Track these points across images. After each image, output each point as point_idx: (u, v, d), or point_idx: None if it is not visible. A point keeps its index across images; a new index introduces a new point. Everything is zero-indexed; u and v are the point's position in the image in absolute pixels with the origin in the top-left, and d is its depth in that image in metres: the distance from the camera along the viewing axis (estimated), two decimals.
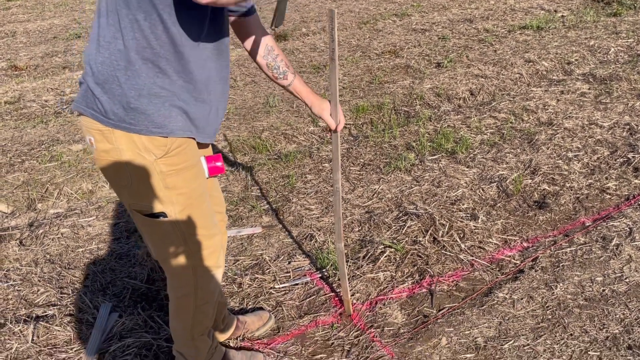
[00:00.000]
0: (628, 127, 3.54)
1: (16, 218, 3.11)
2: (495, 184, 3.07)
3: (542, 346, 2.00)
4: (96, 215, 3.11)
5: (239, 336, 2.15)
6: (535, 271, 2.39)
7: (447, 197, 2.98)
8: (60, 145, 3.98)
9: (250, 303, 2.38)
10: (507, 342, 2.04)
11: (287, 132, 3.96)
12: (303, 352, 2.10)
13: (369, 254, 2.57)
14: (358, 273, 2.47)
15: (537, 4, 6.72)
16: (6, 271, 2.62)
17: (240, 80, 5.16)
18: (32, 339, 2.17)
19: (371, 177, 3.27)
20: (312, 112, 1.83)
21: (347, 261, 2.54)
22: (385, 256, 2.53)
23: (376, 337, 2.14)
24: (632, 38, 5.14)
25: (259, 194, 3.22)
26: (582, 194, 2.93)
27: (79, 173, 3.56)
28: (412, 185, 3.12)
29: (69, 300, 2.41)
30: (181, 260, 1.60)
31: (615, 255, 2.43)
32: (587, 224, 2.69)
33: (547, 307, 2.18)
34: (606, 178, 3.03)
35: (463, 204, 2.90)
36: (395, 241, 2.64)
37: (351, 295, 2.32)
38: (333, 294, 2.38)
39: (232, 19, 1.66)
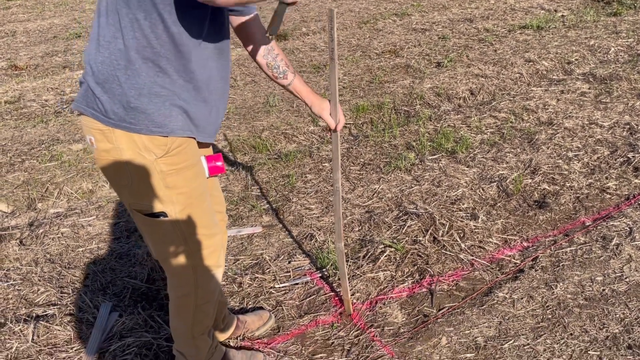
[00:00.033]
0: (628, 126, 3.54)
1: (16, 217, 3.11)
2: (495, 183, 3.07)
3: (542, 346, 2.00)
4: (96, 214, 3.11)
5: (239, 336, 2.15)
6: (535, 271, 2.39)
7: (447, 196, 2.98)
8: (60, 144, 3.98)
9: (250, 302, 2.38)
10: (507, 342, 2.04)
11: (287, 131, 3.96)
12: (303, 351, 2.10)
13: (369, 254, 2.57)
14: (358, 272, 2.47)
15: (537, 3, 6.71)
16: (6, 271, 2.62)
17: (241, 79, 5.16)
18: (33, 339, 2.17)
19: (371, 177, 3.27)
20: (311, 112, 1.83)
21: (347, 261, 2.54)
22: (386, 256, 2.53)
23: (376, 336, 2.14)
24: (632, 38, 5.14)
25: (259, 194, 3.22)
26: (582, 193, 2.93)
27: (79, 172, 3.56)
28: (412, 185, 3.12)
29: (69, 299, 2.42)
30: (181, 259, 1.60)
31: (615, 254, 2.43)
32: (587, 224, 2.69)
33: (547, 306, 2.19)
34: (606, 178, 3.03)
35: (463, 204, 2.90)
36: (395, 241, 2.64)
37: (351, 295, 2.33)
38: (333, 293, 2.38)
39: (233, 18, 1.67)
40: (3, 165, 3.71)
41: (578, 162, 3.20)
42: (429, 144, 3.58)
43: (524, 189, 3.01)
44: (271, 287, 2.45)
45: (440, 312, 2.24)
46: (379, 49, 5.68)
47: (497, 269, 2.46)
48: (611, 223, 2.64)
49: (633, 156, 3.17)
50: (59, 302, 2.40)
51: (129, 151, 1.43)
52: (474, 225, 2.71)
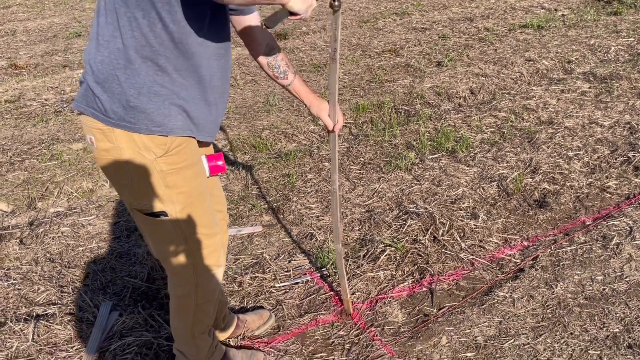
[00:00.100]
0: (628, 126, 3.54)
1: (16, 217, 3.11)
2: (495, 182, 3.07)
3: (543, 345, 2.00)
4: (96, 214, 3.11)
5: (240, 335, 2.15)
6: (536, 270, 2.39)
7: (447, 196, 2.98)
8: (60, 144, 3.98)
9: (250, 302, 2.38)
10: (507, 341, 2.04)
11: (287, 131, 3.96)
12: (303, 350, 2.10)
13: (369, 253, 2.57)
14: (358, 272, 2.47)
15: (538, 2, 6.71)
16: (6, 270, 2.62)
17: (241, 79, 5.16)
18: (33, 338, 2.17)
19: (371, 176, 3.27)
20: (310, 112, 1.83)
21: (347, 260, 2.54)
22: (386, 255, 2.53)
23: (376, 335, 2.14)
24: (632, 37, 5.13)
25: (259, 193, 3.22)
26: (583, 193, 2.93)
27: (79, 172, 3.56)
28: (413, 184, 3.12)
29: (69, 299, 2.42)
30: (182, 259, 1.60)
31: (615, 254, 2.42)
32: (588, 223, 2.69)
33: (548, 306, 2.18)
34: (606, 177, 3.03)
35: (463, 203, 2.90)
36: (395, 240, 2.64)
37: (351, 294, 2.33)
38: (333, 292, 2.38)
39: (233, 17, 1.66)
40: (3, 165, 3.71)
41: (578, 162, 3.20)
42: (429, 143, 3.58)
43: (524, 189, 3.01)
44: (271, 287, 2.45)
45: (441, 311, 2.24)
46: (379, 48, 5.67)
47: (498, 268, 2.46)
48: (611, 222, 2.64)
49: (633, 155, 3.17)
50: (59, 302, 2.40)
51: (129, 150, 1.43)
52: (474, 225, 2.71)
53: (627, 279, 2.27)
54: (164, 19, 1.34)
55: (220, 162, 1.67)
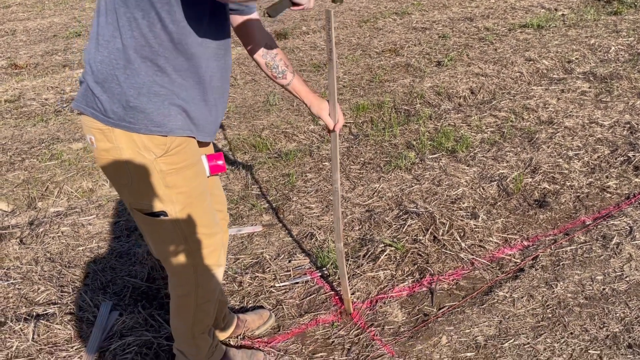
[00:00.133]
0: (628, 125, 3.54)
1: (16, 216, 3.11)
2: (495, 182, 3.07)
3: (543, 345, 2.00)
4: (96, 213, 3.11)
5: (240, 335, 2.15)
6: (536, 270, 2.39)
7: (447, 195, 2.98)
8: (60, 143, 3.98)
9: (250, 302, 2.38)
10: (507, 341, 2.04)
11: (287, 130, 3.96)
12: (303, 350, 2.10)
13: (370, 253, 2.57)
14: (358, 272, 2.47)
15: (538, 2, 6.71)
16: (6, 269, 2.62)
17: (241, 78, 5.16)
18: (33, 338, 2.17)
19: (371, 176, 3.27)
20: (310, 112, 1.83)
21: (347, 260, 2.54)
22: (386, 255, 2.53)
23: (376, 335, 2.14)
24: (632, 37, 5.13)
25: (259, 193, 3.22)
26: (583, 192, 2.93)
27: (79, 171, 3.56)
28: (413, 184, 3.12)
29: (69, 298, 2.42)
30: (182, 258, 1.60)
31: (615, 254, 2.42)
32: (588, 223, 2.69)
33: (548, 305, 2.18)
34: (606, 177, 3.03)
35: (463, 203, 2.90)
36: (395, 240, 2.64)
37: (351, 294, 2.33)
38: (333, 292, 2.38)
39: (232, 17, 1.66)
40: (3, 164, 3.71)
41: (578, 161, 3.20)
42: (429, 143, 3.58)
43: (524, 188, 3.01)
44: (271, 286, 2.45)
45: (441, 311, 2.24)
46: (379, 47, 5.67)
47: (498, 268, 2.46)
48: (611, 222, 2.64)
49: (633, 155, 3.17)
50: (60, 301, 2.40)
51: (129, 150, 1.43)
52: (474, 225, 2.71)
53: (627, 279, 2.27)
54: (164, 19, 1.34)
55: (220, 162, 1.67)
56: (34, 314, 2.31)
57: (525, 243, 2.60)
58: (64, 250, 2.78)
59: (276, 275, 2.51)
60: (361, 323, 2.21)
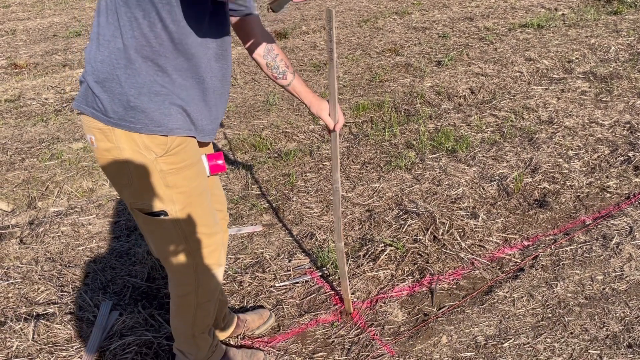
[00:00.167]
0: (628, 125, 3.54)
1: (16, 216, 3.12)
2: (495, 182, 3.07)
3: (543, 344, 2.00)
4: (96, 213, 3.11)
5: (240, 334, 2.15)
6: (536, 270, 2.39)
7: (447, 195, 2.98)
8: (60, 143, 3.98)
9: (250, 301, 2.38)
10: (507, 341, 2.04)
11: (287, 130, 3.96)
12: (303, 350, 2.11)
13: (370, 253, 2.57)
14: (358, 271, 2.47)
15: (538, 2, 6.71)
16: (6, 269, 2.62)
17: (241, 78, 5.16)
18: (33, 337, 2.17)
19: (371, 176, 3.27)
20: (310, 112, 1.83)
21: (347, 259, 2.54)
22: (386, 254, 2.53)
23: (376, 335, 2.14)
24: (632, 36, 5.13)
25: (259, 193, 3.22)
26: (583, 192, 2.93)
27: (79, 171, 3.56)
28: (413, 184, 3.12)
29: (69, 298, 2.42)
30: (182, 258, 1.61)
31: (615, 253, 2.43)
32: (588, 223, 2.69)
33: (548, 305, 2.19)
34: (606, 176, 3.03)
35: (463, 203, 2.90)
36: (395, 239, 2.64)
37: (351, 294, 2.33)
38: (333, 292, 2.38)
39: (233, 18, 1.66)
40: (3, 164, 3.71)
41: (578, 161, 3.20)
42: (429, 142, 3.58)
43: (524, 188, 3.01)
44: (271, 286, 2.45)
45: (441, 310, 2.24)
46: (379, 47, 5.67)
47: (498, 267, 2.46)
48: (611, 222, 2.64)
49: (633, 155, 3.17)
50: (60, 301, 2.40)
51: (129, 150, 1.43)
52: (474, 224, 2.71)
53: (627, 279, 2.27)
54: (164, 19, 1.35)
55: (220, 162, 1.67)
56: (34, 313, 2.31)
57: (525, 243, 2.60)
58: (64, 250, 2.78)
59: (276, 275, 2.51)
60: (361, 323, 2.21)
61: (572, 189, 2.96)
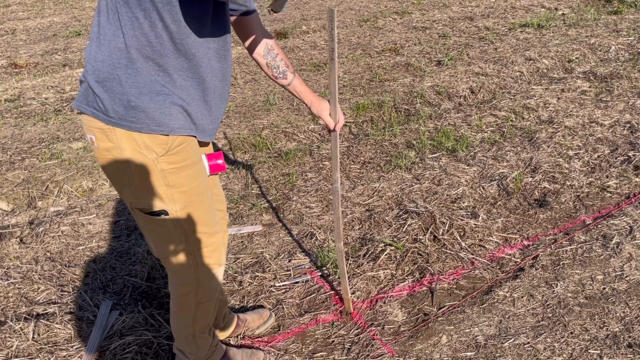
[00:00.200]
0: (629, 125, 3.54)
1: (16, 216, 3.11)
2: (495, 182, 3.07)
3: (543, 344, 2.00)
4: (96, 213, 3.11)
5: (240, 334, 2.15)
6: (536, 269, 2.39)
7: (447, 195, 2.97)
8: (60, 143, 3.98)
9: (250, 301, 2.38)
10: (507, 340, 2.04)
11: (287, 130, 3.96)
12: (303, 350, 2.11)
13: (370, 252, 2.57)
14: (358, 271, 2.47)
15: (538, 1, 6.71)
16: (6, 269, 2.62)
17: (241, 78, 5.16)
18: (33, 337, 2.17)
19: (371, 175, 3.27)
20: (311, 112, 1.83)
21: (347, 259, 2.54)
22: (386, 254, 2.53)
23: (376, 335, 2.14)
24: (632, 36, 5.13)
25: (259, 192, 3.22)
26: (583, 192, 2.93)
27: (79, 171, 3.56)
28: (413, 184, 3.12)
29: (69, 298, 2.42)
30: (182, 258, 1.60)
31: (615, 253, 2.42)
32: (588, 222, 2.69)
33: (548, 305, 2.19)
34: (607, 176, 3.03)
35: (463, 202, 2.90)
36: (395, 239, 2.64)
37: (351, 294, 2.33)
38: (333, 292, 2.38)
39: (233, 18, 1.66)
40: (3, 164, 3.71)
41: (578, 161, 3.20)
42: (430, 142, 3.58)
43: (524, 188, 3.01)
44: (271, 286, 2.45)
45: (441, 310, 2.24)
46: (379, 47, 5.67)
47: (498, 267, 2.46)
48: (611, 222, 2.64)
49: (633, 155, 3.17)
50: (60, 301, 2.40)
51: (130, 150, 1.43)
52: (475, 224, 2.71)
53: (627, 278, 2.27)
54: (165, 19, 1.35)
55: (220, 161, 1.67)
56: (34, 313, 2.31)
57: (526, 242, 2.60)
58: (64, 250, 2.78)
59: (276, 274, 2.51)
60: (361, 322, 2.21)
61: (572, 188, 2.96)
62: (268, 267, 2.56)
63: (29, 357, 2.09)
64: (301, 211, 2.99)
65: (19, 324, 2.22)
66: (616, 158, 3.19)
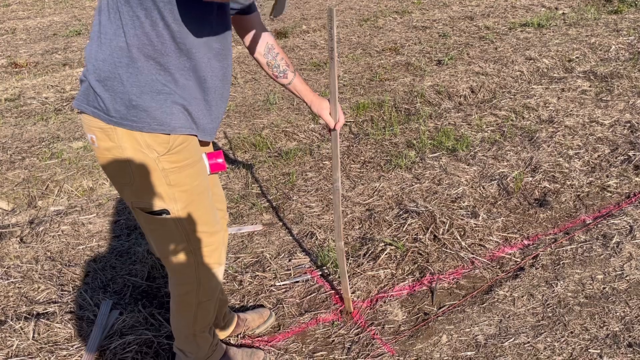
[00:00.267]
0: (629, 124, 3.54)
1: (17, 215, 3.11)
2: (495, 181, 3.07)
3: (543, 344, 2.01)
4: (97, 212, 3.11)
5: (240, 333, 2.15)
6: (536, 269, 2.39)
7: (447, 194, 2.98)
8: (60, 142, 3.98)
9: (250, 300, 2.38)
10: (507, 340, 2.04)
11: (287, 129, 3.96)
12: (303, 349, 2.11)
13: (370, 252, 2.57)
14: (358, 271, 2.47)
15: (538, 1, 6.71)
16: (7, 268, 2.62)
17: (241, 77, 5.15)
18: (33, 336, 2.17)
19: (372, 175, 3.27)
20: (311, 111, 1.83)
21: (347, 259, 2.54)
22: (386, 254, 2.53)
23: (377, 334, 2.14)
24: (633, 35, 5.13)
25: (260, 192, 3.22)
26: (583, 191, 2.93)
27: (79, 170, 3.56)
28: (413, 183, 3.12)
29: (69, 297, 2.42)
30: (183, 257, 1.61)
31: (615, 253, 2.43)
32: (588, 222, 2.69)
33: (548, 304, 2.19)
34: (607, 176, 3.03)
35: (464, 202, 2.90)
36: (395, 239, 2.64)
37: (352, 293, 2.33)
38: (333, 291, 2.38)
39: (233, 16, 1.66)
40: (3, 163, 3.71)
41: (579, 160, 3.20)
42: (430, 142, 3.58)
43: (524, 187, 3.01)
44: (271, 285, 2.45)
45: (441, 310, 2.24)
46: (379, 46, 5.67)
47: (498, 267, 2.46)
48: (612, 221, 2.64)
49: (634, 154, 3.17)
50: (60, 300, 2.40)
51: (131, 149, 1.43)
52: (475, 224, 2.71)
53: (627, 278, 2.28)
54: (166, 18, 1.35)
55: (220, 160, 1.67)
56: (34, 312, 2.31)
57: (526, 242, 2.60)
58: (64, 249, 2.78)
59: (276, 274, 2.51)
60: (361, 322, 2.21)
61: (572, 188, 2.96)
62: (268, 266, 2.56)
63: (29, 356, 2.09)
64: (301, 210, 2.99)
65: (19, 323, 2.22)
66: (616, 157, 3.19)
